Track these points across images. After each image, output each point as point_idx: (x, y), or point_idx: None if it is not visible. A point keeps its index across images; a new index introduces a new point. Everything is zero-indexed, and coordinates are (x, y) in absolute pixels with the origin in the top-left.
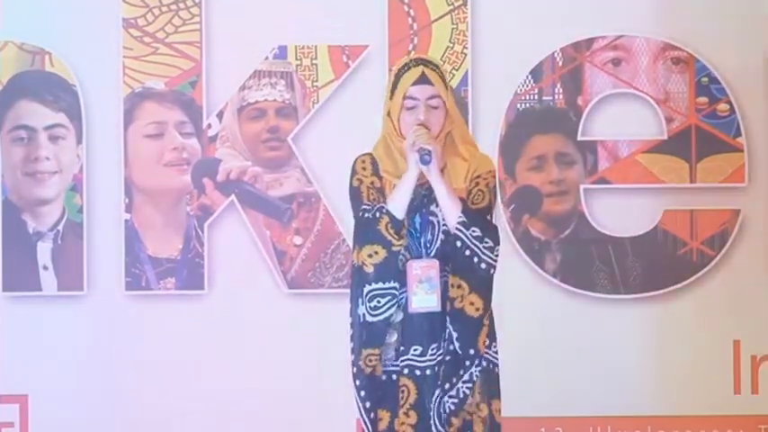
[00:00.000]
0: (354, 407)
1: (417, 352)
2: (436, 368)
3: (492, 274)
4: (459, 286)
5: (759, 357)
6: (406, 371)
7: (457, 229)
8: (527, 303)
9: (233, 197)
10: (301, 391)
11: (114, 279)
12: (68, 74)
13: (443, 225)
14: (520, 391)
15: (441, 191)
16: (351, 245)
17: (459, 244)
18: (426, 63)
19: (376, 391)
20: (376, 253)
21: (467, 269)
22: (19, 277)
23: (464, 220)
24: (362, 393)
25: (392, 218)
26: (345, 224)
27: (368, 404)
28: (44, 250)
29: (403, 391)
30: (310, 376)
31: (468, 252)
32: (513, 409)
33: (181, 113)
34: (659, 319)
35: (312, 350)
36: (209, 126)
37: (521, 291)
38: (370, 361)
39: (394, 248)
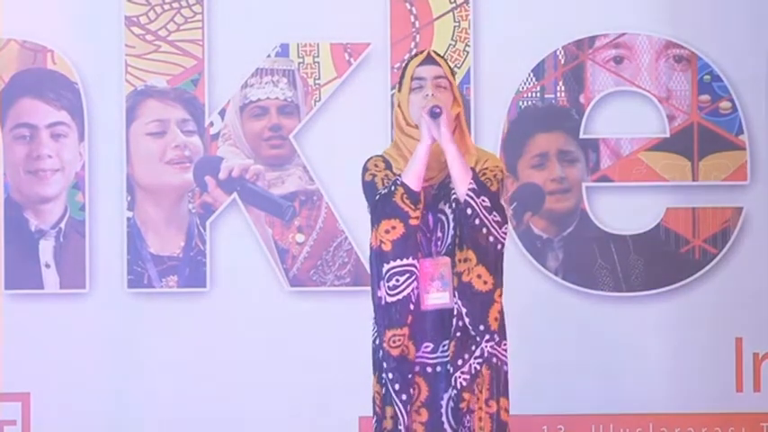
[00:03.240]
0: (356, 404)
1: (429, 349)
2: (448, 366)
3: (500, 251)
4: (466, 260)
5: (761, 355)
6: (417, 368)
7: (468, 195)
8: (529, 301)
9: (235, 195)
10: (303, 389)
11: (116, 277)
12: (70, 72)
13: (453, 221)
14: (522, 388)
15: (451, 152)
16: (353, 243)
17: (469, 211)
18: (431, 50)
19: (405, 373)
20: (393, 228)
21: (475, 239)
22: (21, 275)
23: (474, 187)
24: (391, 376)
25: (407, 188)
26: (347, 222)
27: (397, 386)
28: (46, 248)
29: (414, 389)
30: (312, 374)
31: (477, 221)
32: (515, 406)
33: (183, 111)
34: (661, 316)
35: (314, 348)
36: (212, 124)
37: (523, 289)
38: (395, 342)
39: (411, 221)
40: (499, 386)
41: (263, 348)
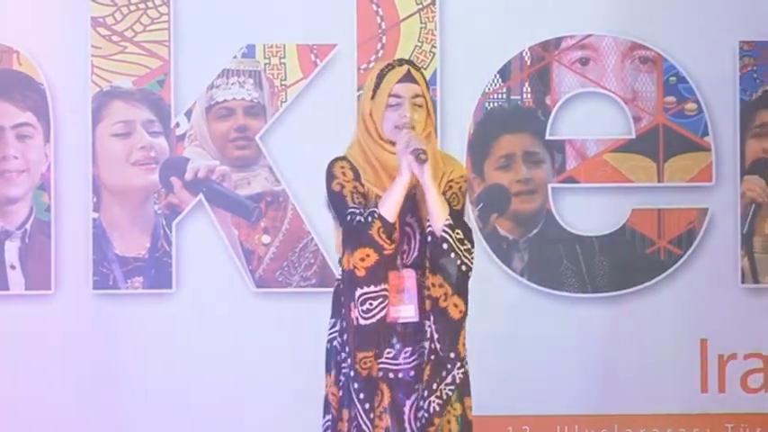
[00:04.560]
0: (321, 405)
1: (391, 355)
2: (411, 372)
3: (469, 277)
4: (441, 285)
5: (726, 356)
6: (380, 374)
7: (444, 231)
8: (495, 302)
9: (201, 196)
10: (269, 390)
11: (82, 278)
12: (36, 72)
13: (419, 234)
14: (488, 389)
15: (432, 193)
16: (318, 244)
17: (445, 246)
18: (410, 63)
19: (373, 392)
20: (368, 256)
21: (450, 271)
22: None
23: (451, 222)
24: (361, 396)
25: (384, 222)
26: (314, 223)
27: (367, 405)
28: (11, 249)
29: (377, 395)
30: (278, 375)
31: (453, 255)
32: (480, 407)
33: (149, 112)
34: (626, 317)
35: (280, 349)
36: (178, 125)
37: (488, 290)
38: (365, 363)
39: (386, 252)
40: (463, 387)
41: (229, 349)
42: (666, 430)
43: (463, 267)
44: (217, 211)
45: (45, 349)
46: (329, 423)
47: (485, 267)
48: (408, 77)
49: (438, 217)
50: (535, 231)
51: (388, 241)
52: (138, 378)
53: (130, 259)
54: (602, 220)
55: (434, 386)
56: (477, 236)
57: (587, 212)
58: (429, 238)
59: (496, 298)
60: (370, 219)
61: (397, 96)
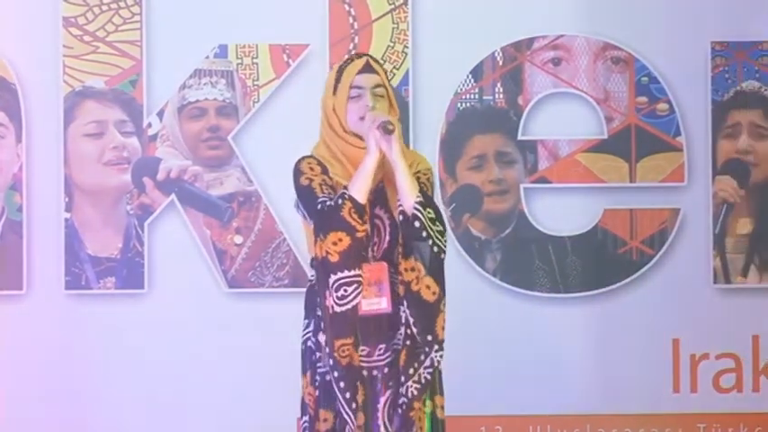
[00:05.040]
0: (295, 405)
1: (365, 353)
2: (385, 369)
3: (443, 260)
4: (413, 269)
5: (698, 356)
6: None
7: (415, 208)
8: (467, 302)
9: (173, 196)
10: (241, 391)
11: (54, 278)
12: (8, 72)
13: (389, 227)
14: (460, 389)
15: (400, 168)
16: (291, 244)
17: (417, 224)
18: (369, 56)
19: (354, 381)
20: (340, 240)
21: (423, 251)
22: None
23: (422, 200)
24: (341, 384)
25: (355, 203)
26: (286, 223)
27: (348, 395)
28: None
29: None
30: (250, 375)
31: (424, 234)
32: (452, 407)
33: (121, 112)
34: (599, 317)
35: (252, 349)
36: (150, 125)
37: (461, 290)
38: (344, 351)
39: (358, 234)
40: (434, 385)
41: (201, 350)
42: (638, 430)
43: (435, 248)
44: (189, 211)
45: (16, 349)
46: (306, 424)
47: (457, 267)
48: (368, 68)
49: (408, 193)
50: (507, 231)
51: (360, 221)
52: (110, 378)
53: (103, 259)
54: (575, 221)
55: (411, 371)
56: (449, 236)
57: (559, 212)
58: (400, 218)
59: (469, 298)
60: (340, 201)
61: (358, 87)
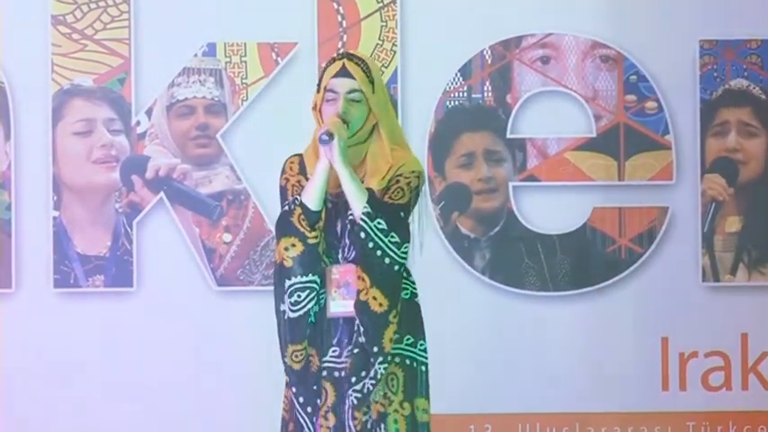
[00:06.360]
0: (281, 404)
1: (336, 353)
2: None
3: (397, 271)
4: (361, 279)
5: (687, 354)
6: (324, 373)
7: (361, 219)
8: (456, 301)
9: (162, 194)
10: (230, 389)
11: (43, 277)
12: None
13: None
14: (449, 388)
15: (344, 176)
16: None
17: (362, 235)
18: (351, 57)
19: (310, 386)
20: (293, 245)
21: (369, 263)
22: None
23: (369, 210)
24: (294, 390)
25: (305, 209)
26: (274, 222)
27: (302, 399)
28: None
29: (322, 394)
30: (239, 374)
31: (371, 244)
32: (442, 406)
33: (109, 110)
34: (588, 316)
35: (241, 348)
36: (138, 123)
37: (450, 288)
38: (296, 357)
39: (309, 241)
40: (414, 387)
41: (190, 348)
42: (627, 428)
43: (386, 260)
44: (178, 209)
45: (5, 348)
46: (282, 428)
47: (446, 265)
48: (343, 72)
49: (354, 203)
50: (496, 230)
51: (309, 229)
52: (99, 376)
53: (91, 258)
54: (564, 219)
55: (353, 379)
56: (438, 235)
57: (548, 211)
58: (348, 227)
59: (458, 296)
60: (292, 206)
61: (332, 91)
